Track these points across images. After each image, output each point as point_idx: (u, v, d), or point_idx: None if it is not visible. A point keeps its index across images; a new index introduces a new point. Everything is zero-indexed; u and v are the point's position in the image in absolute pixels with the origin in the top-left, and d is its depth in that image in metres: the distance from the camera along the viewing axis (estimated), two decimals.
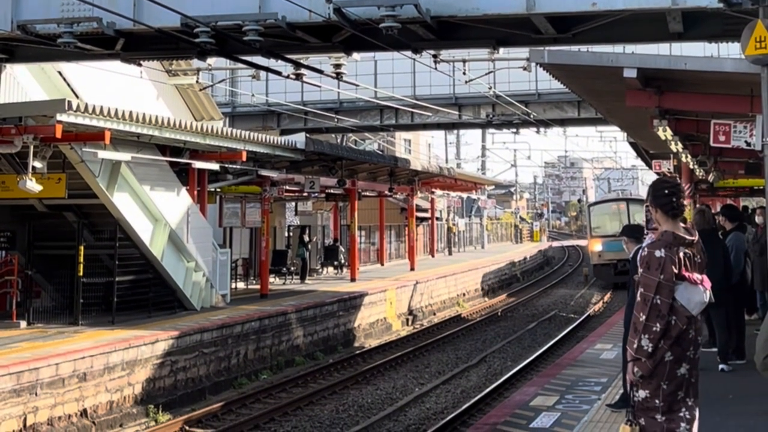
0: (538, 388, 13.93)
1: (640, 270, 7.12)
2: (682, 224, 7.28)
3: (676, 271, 6.98)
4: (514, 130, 54.36)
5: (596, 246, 50.54)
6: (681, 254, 7.06)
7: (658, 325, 6.93)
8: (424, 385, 23.50)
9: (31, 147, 20.17)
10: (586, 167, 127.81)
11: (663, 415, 6.96)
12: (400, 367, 26.28)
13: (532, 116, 44.21)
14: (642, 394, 7.03)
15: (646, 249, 7.21)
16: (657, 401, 6.97)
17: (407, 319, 36.29)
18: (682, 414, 7.00)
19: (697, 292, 7.03)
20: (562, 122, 49.14)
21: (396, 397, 22.00)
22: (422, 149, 79.80)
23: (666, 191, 7.30)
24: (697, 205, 23.31)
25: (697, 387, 7.21)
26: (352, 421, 19.61)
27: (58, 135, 19.54)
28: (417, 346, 29.60)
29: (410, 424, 19.09)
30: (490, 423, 11.58)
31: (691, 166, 23.91)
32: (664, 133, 17.10)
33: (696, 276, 7.05)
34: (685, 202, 8.22)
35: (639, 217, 43.23)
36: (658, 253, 7.05)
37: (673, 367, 6.99)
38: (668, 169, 31.23)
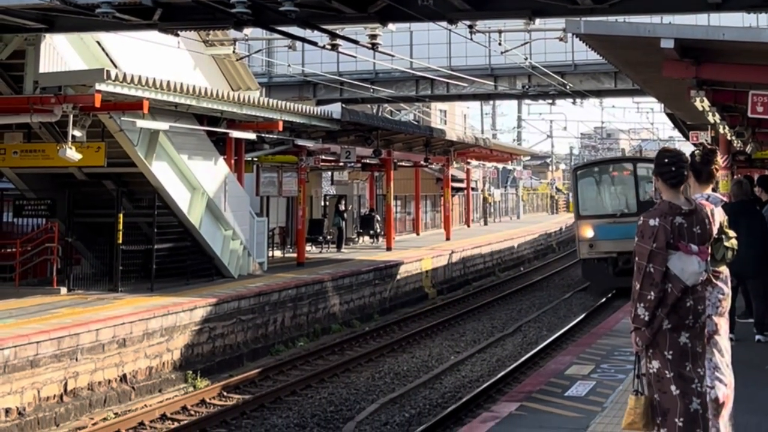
0: (574, 357, 14.01)
1: (635, 239, 7.19)
2: (683, 195, 7.30)
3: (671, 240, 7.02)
4: (550, 101, 54.05)
5: (586, 231, 33.37)
6: (676, 224, 7.09)
7: (652, 293, 6.98)
8: (460, 353, 23.64)
9: (71, 116, 20.37)
10: (622, 138, 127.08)
11: (677, 387, 7.00)
12: (435, 336, 26.43)
13: (568, 87, 44.03)
14: (655, 365, 7.09)
15: (642, 218, 7.26)
16: (667, 372, 7.02)
17: (443, 288, 36.40)
18: (693, 386, 7.03)
19: (691, 263, 7.05)
20: (599, 93, 48.92)
21: (432, 365, 22.16)
22: (458, 120, 79.64)
23: (666, 160, 7.33)
24: (735, 177, 23.23)
25: (705, 358, 7.23)
26: (387, 388, 19.79)
27: (97, 104, 19.74)
28: (452, 315, 29.74)
29: (446, 392, 19.25)
30: (525, 391, 11.66)
31: (728, 138, 23.79)
32: (702, 104, 17.05)
33: (692, 247, 7.07)
34: (719, 173, 8.27)
35: (653, 186, 34.77)
36: (652, 222, 7.10)
37: (672, 336, 7.02)
38: (706, 140, 31.10)
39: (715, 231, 7.59)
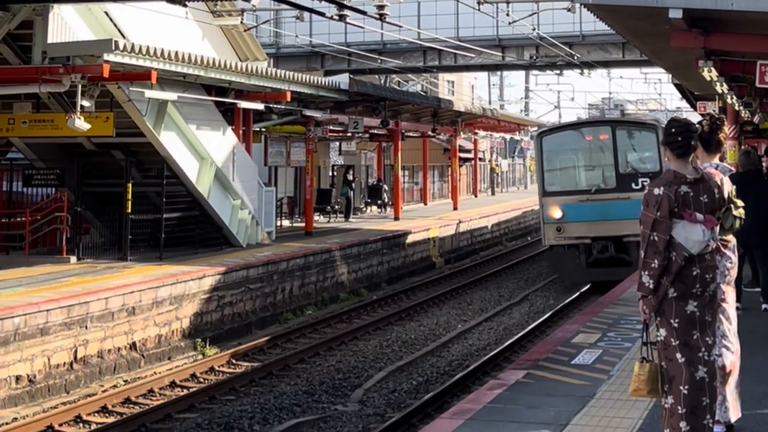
0: (580, 325, 14.08)
1: (641, 208, 7.23)
2: (692, 164, 7.31)
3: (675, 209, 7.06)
4: (558, 71, 53.98)
5: (553, 211, 27.35)
6: (681, 192, 7.12)
7: (656, 261, 7.03)
8: (467, 322, 23.77)
9: (79, 86, 20.39)
10: (630, 109, 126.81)
11: (682, 355, 7.05)
12: (442, 305, 26.55)
13: (576, 58, 43.94)
14: (662, 332, 7.15)
15: (647, 187, 7.31)
16: (673, 340, 7.08)
17: (450, 258, 36.50)
18: (700, 354, 7.07)
19: (696, 232, 7.08)
20: (607, 64, 48.83)
21: (439, 334, 22.29)
22: (465, 91, 79.50)
23: (673, 130, 7.34)
24: (743, 147, 23.26)
25: (715, 326, 7.28)
26: (395, 356, 19.93)
27: (106, 74, 19.77)
28: (460, 284, 29.85)
29: (453, 360, 19.37)
30: (532, 359, 11.74)
31: (736, 108, 23.79)
32: (710, 74, 17.04)
33: (697, 215, 7.10)
34: (726, 142, 8.31)
35: (637, 155, 27.65)
36: (656, 191, 7.14)
37: (679, 304, 7.08)
38: (713, 110, 31.06)
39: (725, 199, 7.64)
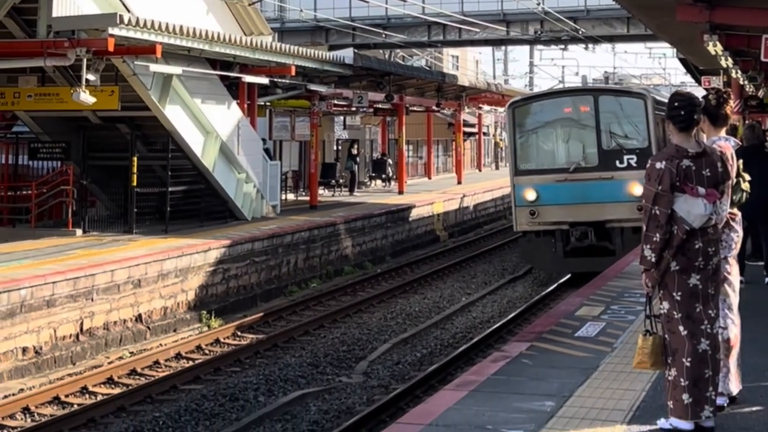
0: (584, 298, 14.12)
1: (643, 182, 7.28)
2: (695, 138, 7.32)
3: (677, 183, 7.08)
4: (563, 46, 53.99)
5: (527, 193, 23.59)
6: (683, 166, 7.13)
7: (657, 235, 7.08)
8: (471, 295, 23.86)
9: (84, 60, 20.45)
10: (634, 84, 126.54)
11: (685, 328, 7.11)
12: (446, 278, 26.64)
13: (580, 33, 43.96)
14: (665, 305, 7.22)
15: (649, 161, 7.33)
16: (675, 313, 7.14)
17: (454, 231, 36.57)
18: (703, 327, 7.14)
19: (697, 205, 7.11)
20: (611, 39, 48.84)
21: (443, 306, 22.38)
22: (470, 65, 79.38)
23: (676, 104, 7.35)
24: (747, 121, 23.29)
25: (718, 299, 7.33)
26: (399, 328, 20.02)
27: (111, 48, 19.83)
28: (463, 258, 29.93)
29: (457, 333, 19.46)
30: (535, 332, 11.79)
31: (741, 82, 23.83)
32: (714, 48, 17.08)
33: (699, 189, 7.13)
34: (732, 116, 8.33)
35: (623, 129, 23.72)
36: (658, 165, 7.17)
37: (681, 277, 7.13)
38: (718, 84, 31.05)
39: (733, 173, 7.67)
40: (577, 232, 23.10)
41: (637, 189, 21.42)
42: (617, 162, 22.89)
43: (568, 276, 24.36)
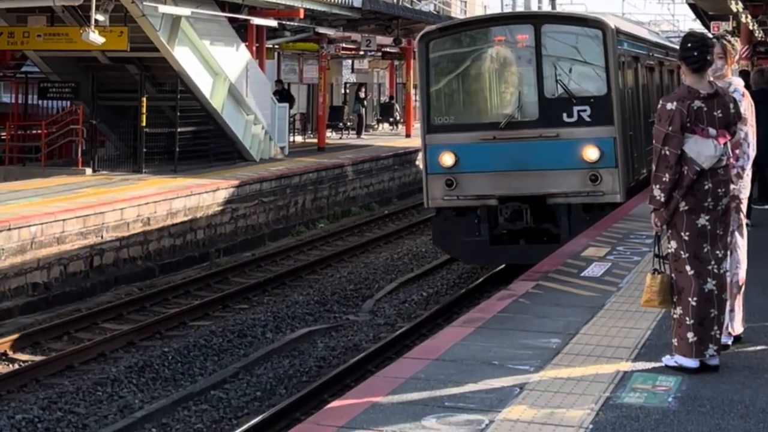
0: (590, 239, 14.11)
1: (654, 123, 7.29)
2: (708, 80, 7.31)
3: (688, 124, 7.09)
4: None
5: (442, 157, 17.34)
6: (694, 107, 7.13)
7: (666, 175, 7.09)
8: None
9: (93, 0, 20.46)
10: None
11: (692, 268, 7.16)
12: None
13: None
14: (673, 245, 7.27)
15: (660, 102, 7.32)
16: (683, 252, 7.19)
17: None
18: (710, 267, 7.18)
19: (708, 146, 7.11)
20: None
21: None
22: (478, 10, 78.98)
23: (689, 45, 7.33)
24: (755, 66, 23.26)
25: (726, 240, 7.36)
26: (406, 268, 20.15)
27: None
28: None
29: (463, 273, 19.53)
30: (542, 271, 11.82)
31: (750, 27, 23.78)
32: None
33: (710, 130, 7.13)
34: (741, 61, 8.35)
35: (573, 70, 17.22)
36: (669, 106, 7.16)
37: (690, 217, 7.16)
38: (726, 30, 30.95)
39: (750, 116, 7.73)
40: (508, 210, 17.00)
41: (591, 152, 16.39)
42: (565, 115, 16.87)
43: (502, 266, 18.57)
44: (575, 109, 16.79)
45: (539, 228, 17.07)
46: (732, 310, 7.88)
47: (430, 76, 17.58)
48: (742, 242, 8.09)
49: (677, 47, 7.84)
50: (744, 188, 8.07)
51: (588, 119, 16.70)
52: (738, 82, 8.09)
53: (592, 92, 17.07)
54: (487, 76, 17.51)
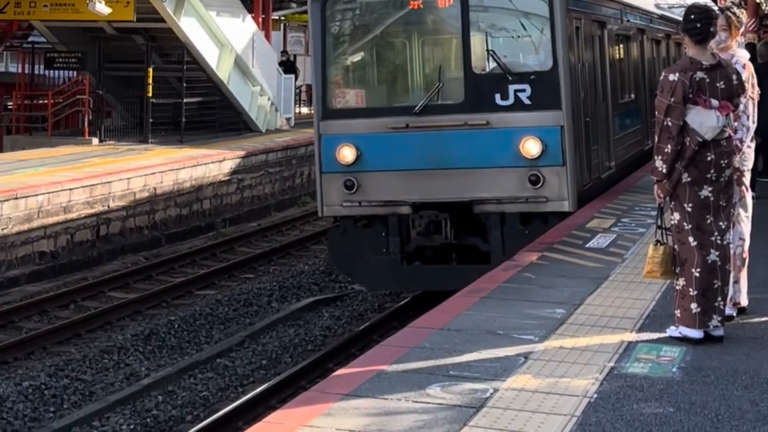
0: (595, 211, 14.02)
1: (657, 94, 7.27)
2: (711, 51, 7.31)
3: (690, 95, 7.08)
4: None
5: (342, 151, 13.04)
6: (696, 79, 7.12)
7: (669, 146, 7.10)
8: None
9: None
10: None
11: (695, 239, 7.16)
12: None
13: None
14: (676, 216, 7.27)
15: (663, 73, 7.32)
16: (686, 224, 7.19)
17: None
18: (713, 238, 7.18)
19: (710, 117, 7.10)
20: None
21: None
22: None
23: (692, 16, 7.32)
24: (762, 39, 23.15)
25: (729, 211, 7.38)
26: None
27: None
28: None
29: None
30: (546, 242, 11.79)
31: (757, 0, 23.64)
32: None
33: (712, 101, 7.12)
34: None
35: (509, 41, 13.57)
36: (671, 77, 7.15)
37: (693, 189, 7.16)
38: (733, 1, 30.72)
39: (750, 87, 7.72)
40: (423, 220, 13.10)
41: (531, 146, 12.79)
42: (498, 97, 13.07)
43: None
44: (511, 88, 13.05)
45: (463, 243, 13.22)
46: (737, 282, 7.89)
47: (326, 46, 13.60)
48: (745, 215, 8.08)
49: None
50: (746, 160, 8.06)
51: (528, 102, 13.00)
52: (742, 54, 8.07)
53: (534, 67, 13.45)
54: (398, 46, 14.02)
